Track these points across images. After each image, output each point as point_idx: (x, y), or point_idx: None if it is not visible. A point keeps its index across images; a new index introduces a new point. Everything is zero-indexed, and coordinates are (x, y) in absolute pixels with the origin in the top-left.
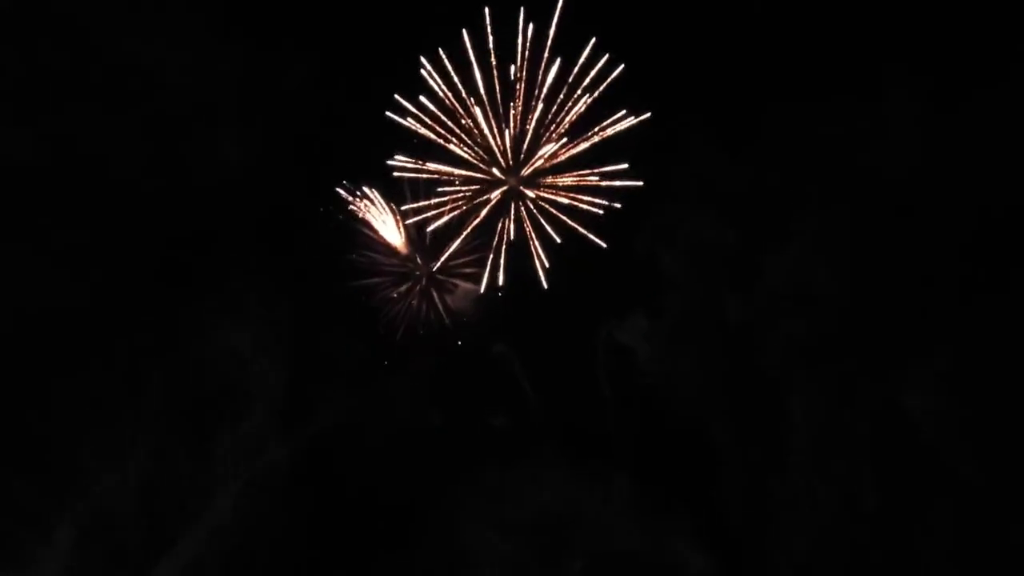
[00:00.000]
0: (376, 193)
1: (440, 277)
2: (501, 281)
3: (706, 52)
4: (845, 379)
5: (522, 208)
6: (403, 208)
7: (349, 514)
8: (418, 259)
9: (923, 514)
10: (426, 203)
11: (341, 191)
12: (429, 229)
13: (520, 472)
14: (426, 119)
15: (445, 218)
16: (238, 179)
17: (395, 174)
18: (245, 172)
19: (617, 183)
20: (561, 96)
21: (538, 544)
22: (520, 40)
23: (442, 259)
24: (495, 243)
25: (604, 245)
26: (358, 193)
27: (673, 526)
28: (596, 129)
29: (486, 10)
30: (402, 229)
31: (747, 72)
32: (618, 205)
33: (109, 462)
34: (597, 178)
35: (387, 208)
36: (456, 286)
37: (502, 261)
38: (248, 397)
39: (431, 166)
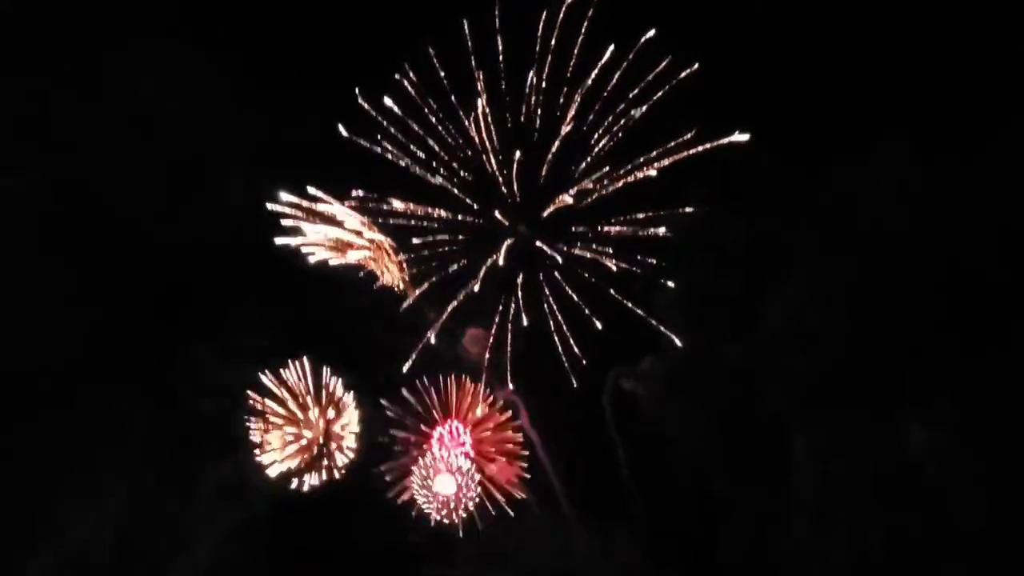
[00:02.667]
0: None
1: None
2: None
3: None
4: (847, 422)
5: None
6: None
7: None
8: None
9: (932, 560)
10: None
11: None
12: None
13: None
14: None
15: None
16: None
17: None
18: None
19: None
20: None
21: None
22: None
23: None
24: (493, 331)
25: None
26: None
27: None
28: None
29: None
30: None
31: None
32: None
33: (86, 505)
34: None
35: None
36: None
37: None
38: (237, 433)
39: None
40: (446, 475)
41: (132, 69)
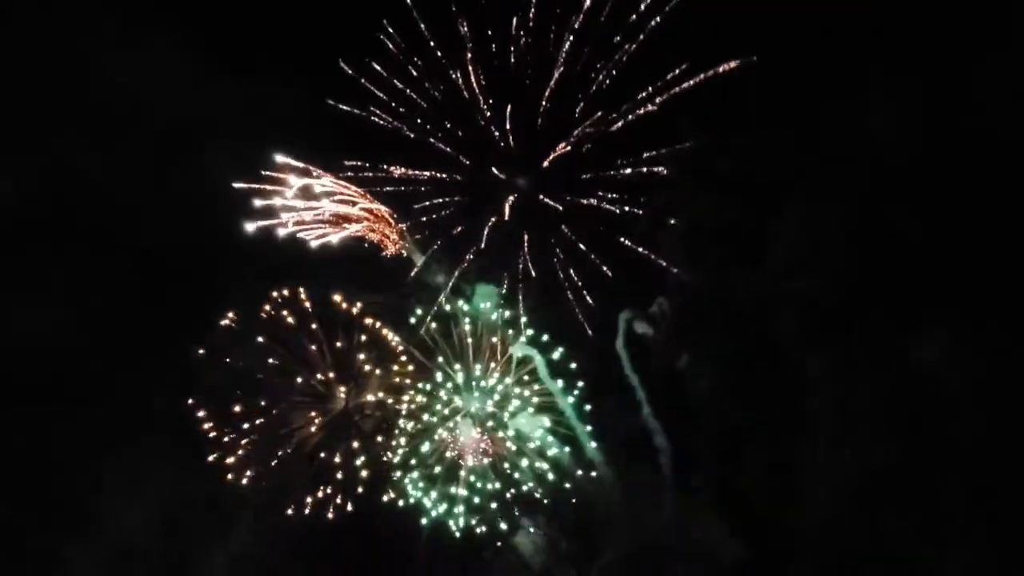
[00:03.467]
0: None
1: None
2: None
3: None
4: (860, 340)
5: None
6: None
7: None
8: None
9: (946, 468)
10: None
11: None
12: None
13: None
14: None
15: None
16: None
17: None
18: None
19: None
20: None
21: (571, 543)
22: None
23: None
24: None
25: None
26: None
27: (702, 515)
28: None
29: None
30: None
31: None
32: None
33: (126, 496)
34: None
35: None
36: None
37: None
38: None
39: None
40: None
41: (112, 58)
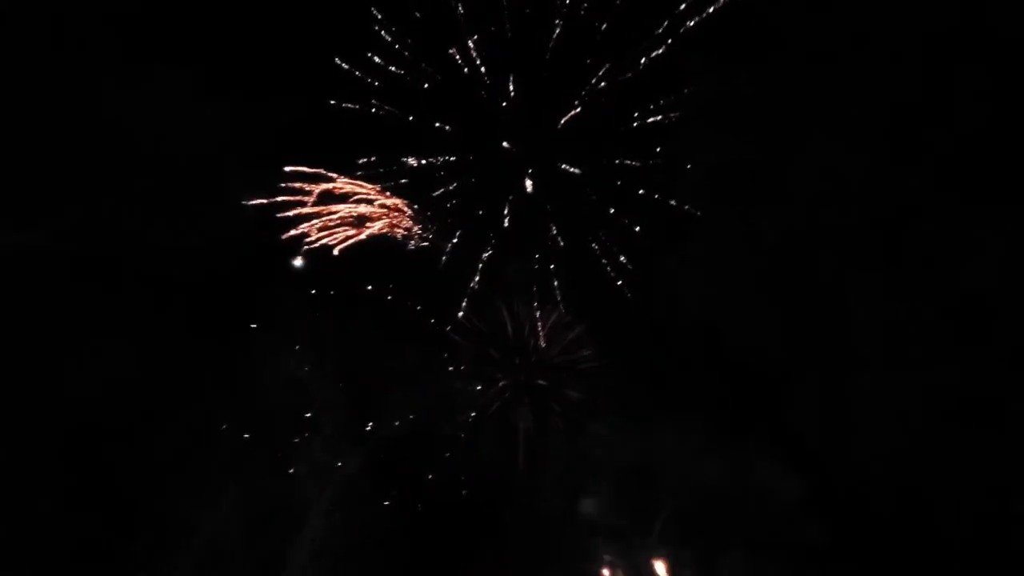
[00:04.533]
0: None
1: None
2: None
3: None
4: (905, 268)
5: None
6: None
7: (436, 512)
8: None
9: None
10: None
11: None
12: None
13: (593, 433)
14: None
15: None
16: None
17: None
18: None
19: None
20: None
21: (626, 498)
22: None
23: None
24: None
25: None
26: None
27: (756, 456)
28: None
29: None
30: None
31: None
32: None
33: (207, 507)
34: None
35: None
36: None
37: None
38: (314, 418)
39: None
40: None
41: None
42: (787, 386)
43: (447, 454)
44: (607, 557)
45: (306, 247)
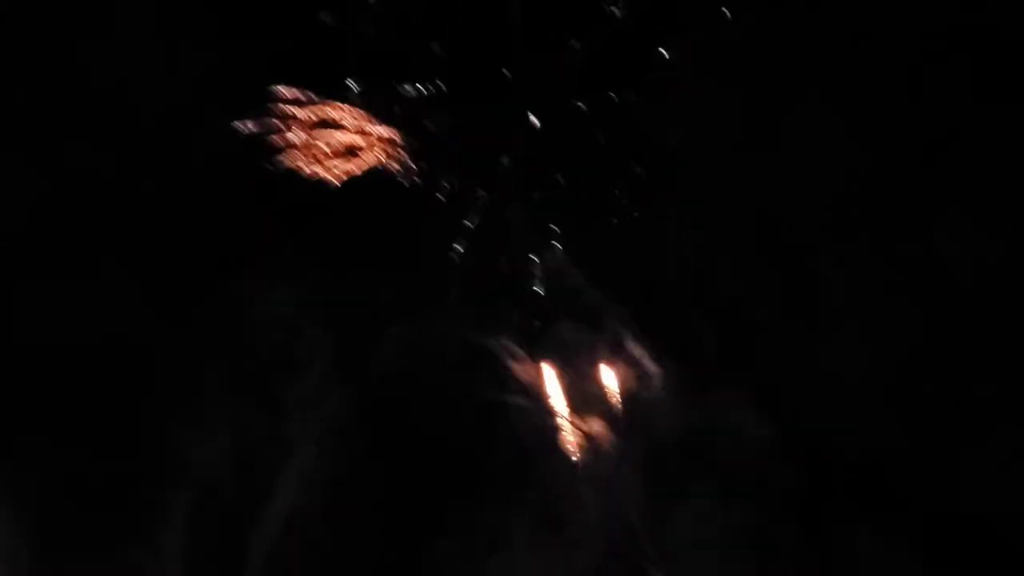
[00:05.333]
0: None
1: None
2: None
3: None
4: (876, 233)
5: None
6: None
7: (421, 445)
8: None
9: (967, 352)
10: None
11: None
12: None
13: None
14: None
15: None
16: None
17: None
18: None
19: None
20: None
21: (598, 442)
22: None
23: None
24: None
25: None
26: None
27: (729, 402)
28: None
29: None
30: None
31: None
32: None
33: (198, 440)
34: None
35: None
36: None
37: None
38: (304, 353)
39: None
40: None
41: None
42: (764, 336)
43: (436, 396)
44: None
45: (295, 175)
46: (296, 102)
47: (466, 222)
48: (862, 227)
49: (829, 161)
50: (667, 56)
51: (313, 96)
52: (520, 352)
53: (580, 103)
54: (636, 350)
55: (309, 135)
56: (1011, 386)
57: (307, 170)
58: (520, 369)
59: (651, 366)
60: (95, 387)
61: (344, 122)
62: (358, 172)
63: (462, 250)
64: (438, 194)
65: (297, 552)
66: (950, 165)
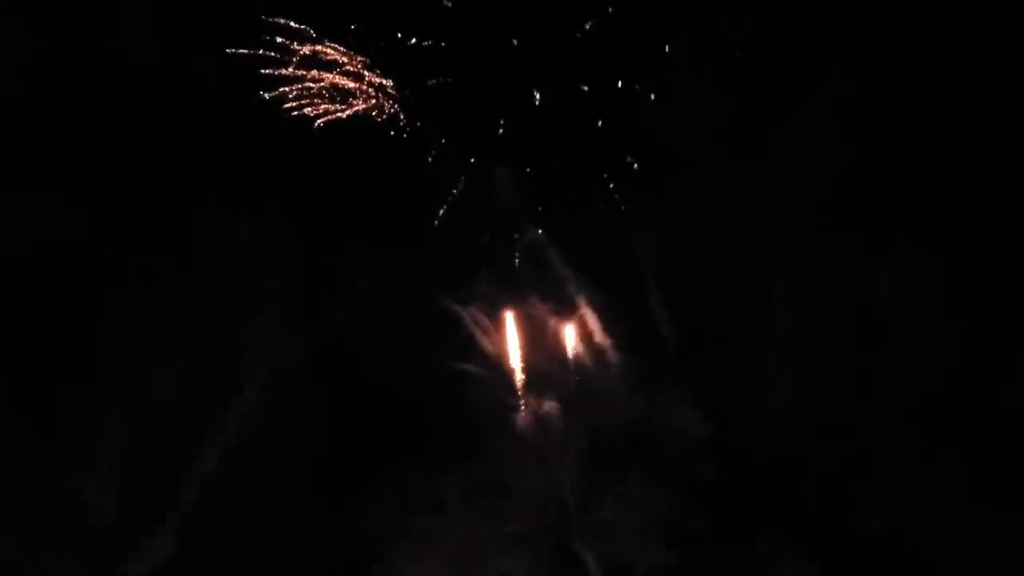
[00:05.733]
0: None
1: None
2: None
3: None
4: (825, 263)
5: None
6: None
7: (370, 401)
8: None
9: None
10: None
11: None
12: None
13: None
14: None
15: None
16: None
17: None
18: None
19: None
20: None
21: (547, 420)
22: None
23: None
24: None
25: None
26: None
27: (675, 400)
28: None
29: None
30: None
31: None
32: None
33: (147, 366)
34: None
35: None
36: None
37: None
38: (260, 294)
39: None
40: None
41: None
42: (714, 344)
43: (393, 355)
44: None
45: (278, 109)
46: (295, 36)
47: (450, 185)
48: (816, 254)
49: (799, 187)
50: (667, 52)
51: (313, 33)
52: (486, 323)
53: (583, 86)
54: (601, 338)
55: (303, 72)
56: (914, 423)
57: (293, 105)
58: (484, 340)
59: (612, 355)
60: (46, 302)
61: (340, 63)
62: (344, 116)
63: (442, 212)
64: (425, 152)
65: (231, 487)
66: (900, 212)
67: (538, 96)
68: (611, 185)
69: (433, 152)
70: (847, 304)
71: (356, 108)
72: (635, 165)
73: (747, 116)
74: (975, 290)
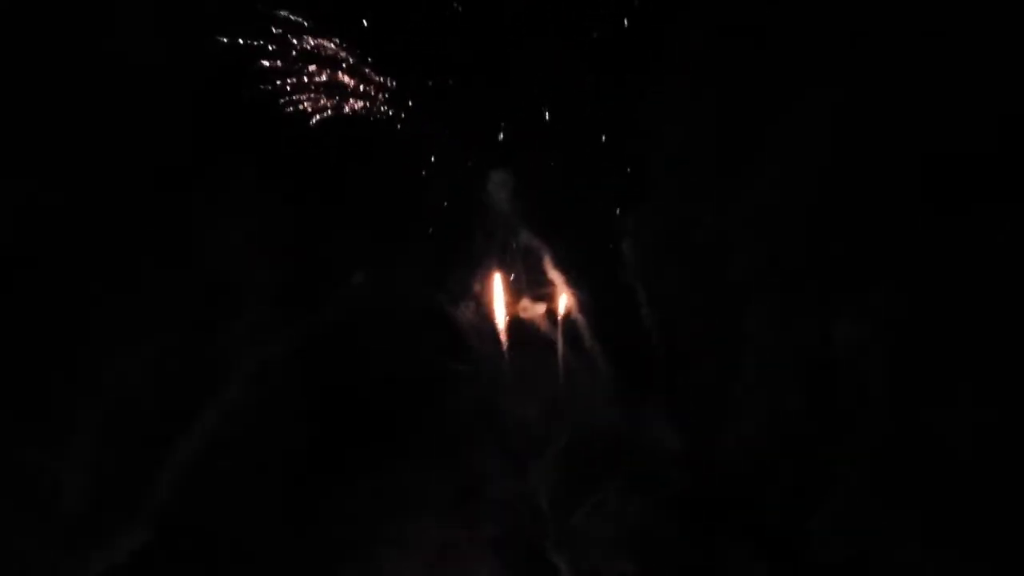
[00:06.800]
0: None
1: None
2: None
3: None
4: (789, 304)
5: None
6: None
7: (352, 398)
8: None
9: (841, 427)
10: None
11: None
12: None
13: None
14: None
15: None
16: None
17: None
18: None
19: None
20: None
21: (528, 423)
22: None
23: None
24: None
25: None
26: None
27: (655, 412)
28: None
29: None
30: None
31: None
32: None
33: (123, 352)
34: None
35: None
36: None
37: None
38: (249, 287)
39: None
40: None
41: None
42: (693, 360)
43: (380, 353)
44: None
45: (273, 102)
46: (294, 28)
47: (446, 186)
48: (786, 291)
49: (780, 216)
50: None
51: (313, 25)
52: (476, 324)
53: (583, 92)
54: (589, 344)
55: (299, 65)
56: (865, 462)
57: (288, 99)
58: (472, 341)
59: (599, 363)
60: (21, 290)
61: (339, 58)
62: (339, 113)
63: (437, 212)
64: (421, 152)
65: (205, 482)
66: (874, 256)
67: (542, 106)
68: (606, 192)
69: (429, 152)
70: (808, 342)
71: (353, 106)
72: (630, 172)
73: (737, 125)
74: (931, 335)
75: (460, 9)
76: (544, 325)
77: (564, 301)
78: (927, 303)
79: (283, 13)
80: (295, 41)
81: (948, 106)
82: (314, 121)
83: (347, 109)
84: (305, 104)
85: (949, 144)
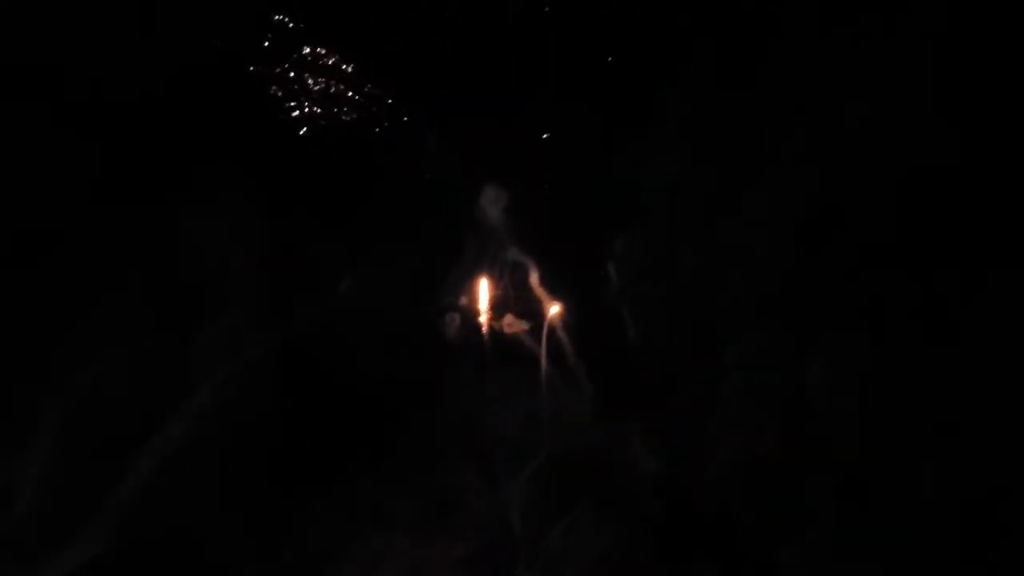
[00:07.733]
0: None
1: None
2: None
3: None
4: (767, 341)
5: None
6: None
7: (329, 408)
8: None
9: (814, 463)
10: None
11: None
12: None
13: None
14: None
15: None
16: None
17: None
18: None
19: None
20: None
21: (507, 439)
22: None
23: None
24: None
25: None
26: None
27: (633, 433)
28: None
29: None
30: None
31: None
32: None
33: (89, 351)
34: None
35: None
36: None
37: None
38: (227, 292)
39: None
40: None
41: None
42: (672, 385)
43: (358, 363)
44: None
45: (263, 107)
46: (289, 34)
47: (439, 197)
48: (764, 330)
49: (756, 258)
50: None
51: (309, 31)
52: (460, 334)
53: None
54: (572, 362)
55: (294, 73)
56: (835, 499)
57: (282, 107)
58: (455, 351)
59: (582, 381)
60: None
61: (332, 66)
62: (332, 122)
63: (428, 223)
64: (414, 163)
65: (169, 489)
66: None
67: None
68: (597, 214)
69: (423, 164)
70: (785, 380)
71: (340, 112)
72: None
73: (724, 175)
74: (905, 380)
75: (458, 24)
76: (528, 341)
77: (549, 318)
78: (902, 347)
79: (278, 17)
80: (289, 48)
81: (931, 152)
82: (304, 131)
83: (341, 119)
84: (298, 112)
85: (929, 191)
